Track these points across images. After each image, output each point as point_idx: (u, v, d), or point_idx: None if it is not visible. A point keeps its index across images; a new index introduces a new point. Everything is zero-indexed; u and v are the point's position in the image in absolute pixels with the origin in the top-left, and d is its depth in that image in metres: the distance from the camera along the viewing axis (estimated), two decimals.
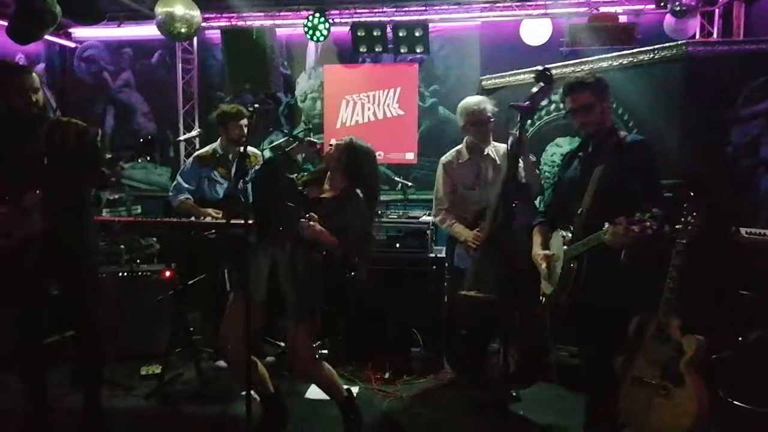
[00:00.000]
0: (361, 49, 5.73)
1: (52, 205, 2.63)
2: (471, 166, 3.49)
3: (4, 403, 3.14)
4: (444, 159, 3.61)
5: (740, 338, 3.08)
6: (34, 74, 2.66)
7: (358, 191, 2.77)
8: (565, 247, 2.56)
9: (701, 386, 2.57)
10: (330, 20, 5.65)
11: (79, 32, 6.50)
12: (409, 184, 4.90)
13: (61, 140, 2.70)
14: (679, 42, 3.75)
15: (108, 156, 2.69)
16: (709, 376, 2.65)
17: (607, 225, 2.30)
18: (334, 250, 2.70)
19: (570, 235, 2.55)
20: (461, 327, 3.30)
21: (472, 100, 3.46)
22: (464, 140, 3.57)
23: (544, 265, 2.64)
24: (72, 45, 6.60)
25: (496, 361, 3.28)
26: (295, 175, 2.96)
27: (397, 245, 3.90)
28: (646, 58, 3.80)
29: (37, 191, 2.58)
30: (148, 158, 2.94)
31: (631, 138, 2.55)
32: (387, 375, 3.66)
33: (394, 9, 5.70)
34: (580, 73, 2.67)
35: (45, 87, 6.39)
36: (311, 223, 2.55)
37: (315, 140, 2.92)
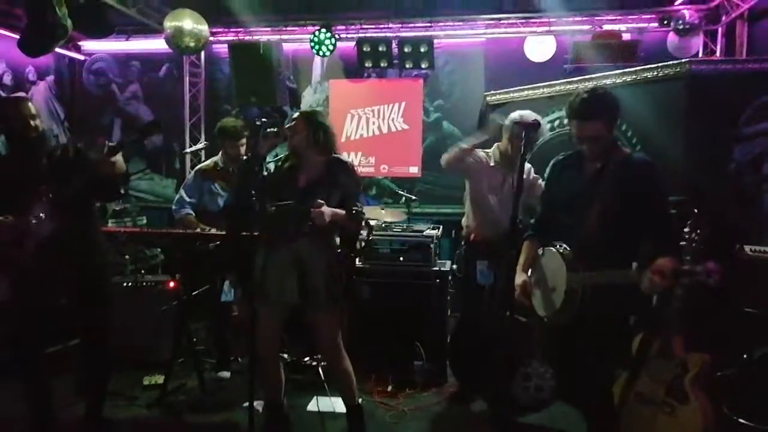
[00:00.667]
0: (366, 64, 5.81)
1: (59, 217, 2.68)
2: (499, 172, 3.49)
3: (8, 411, 3.13)
4: (479, 158, 3.56)
5: (745, 356, 3.07)
6: (30, 103, 2.78)
7: (340, 157, 2.81)
8: (566, 267, 2.40)
9: (706, 404, 2.55)
10: (336, 35, 5.73)
11: (88, 45, 6.60)
12: (413, 197, 4.93)
13: (62, 156, 2.79)
14: (683, 60, 3.80)
15: (110, 144, 2.72)
16: (714, 394, 2.64)
17: (635, 265, 2.18)
18: (348, 226, 2.74)
19: (567, 249, 2.41)
20: (494, 346, 3.20)
21: (534, 115, 3.26)
22: (497, 146, 3.56)
23: (519, 291, 2.53)
24: (81, 57, 6.69)
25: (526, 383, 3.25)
26: (274, 165, 2.89)
27: (401, 258, 3.90)
28: (649, 76, 3.84)
29: (43, 199, 2.66)
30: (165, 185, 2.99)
31: (638, 156, 2.47)
32: (389, 388, 3.65)
33: (400, 25, 5.78)
34: (589, 88, 2.50)
35: (54, 99, 6.47)
36: (322, 210, 2.57)
37: (274, 129, 2.86)
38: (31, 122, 2.73)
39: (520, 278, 2.58)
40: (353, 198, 2.77)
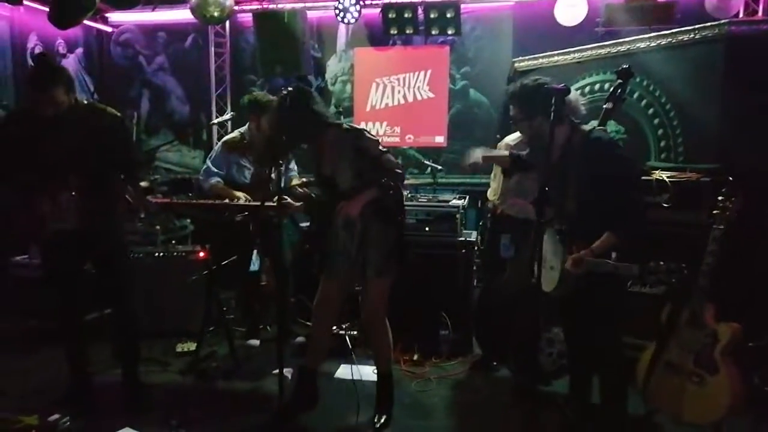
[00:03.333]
0: (391, 31, 5.70)
1: (88, 198, 2.73)
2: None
3: (49, 377, 3.28)
4: (512, 143, 3.45)
5: None
6: (58, 89, 2.65)
7: (347, 128, 2.77)
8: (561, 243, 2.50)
9: (736, 374, 2.53)
10: (361, 2, 5.63)
11: (115, 16, 6.62)
12: (439, 167, 4.89)
13: (95, 130, 2.77)
14: (722, 21, 3.63)
15: (143, 185, 2.79)
16: (745, 364, 2.60)
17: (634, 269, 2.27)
18: (381, 199, 2.72)
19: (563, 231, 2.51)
20: (516, 314, 3.23)
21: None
22: None
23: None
24: (108, 29, 6.73)
25: (549, 350, 3.26)
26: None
27: (427, 229, 3.89)
28: (686, 39, 3.69)
29: (72, 192, 2.69)
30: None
31: (595, 134, 2.45)
32: (416, 357, 3.69)
33: None
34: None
35: (83, 71, 6.55)
36: (346, 210, 2.61)
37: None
38: (52, 109, 2.65)
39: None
40: (376, 164, 2.71)
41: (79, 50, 6.59)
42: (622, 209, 2.34)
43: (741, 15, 5.14)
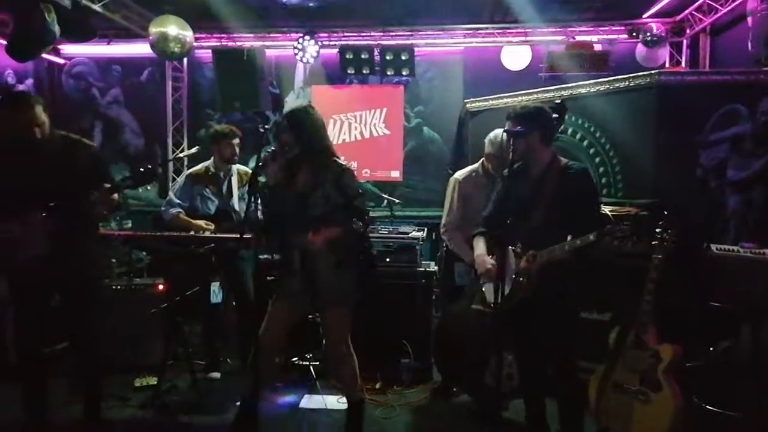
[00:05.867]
0: (348, 71, 5.94)
1: (60, 221, 2.70)
2: (486, 191, 3.50)
3: (3, 414, 3.16)
4: (460, 177, 3.69)
5: (711, 347, 3.29)
6: (39, 108, 2.70)
7: (337, 160, 2.80)
8: (515, 257, 2.73)
9: (677, 391, 2.75)
10: (319, 42, 5.85)
11: (68, 49, 6.58)
12: (397, 201, 5.07)
13: (71, 160, 2.78)
14: (652, 71, 4.03)
15: (107, 186, 2.79)
16: (684, 383, 2.83)
17: (591, 236, 2.47)
18: (349, 238, 2.74)
19: (519, 249, 2.72)
20: (468, 340, 3.37)
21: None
22: (481, 162, 3.65)
23: (488, 267, 2.81)
24: (61, 61, 6.66)
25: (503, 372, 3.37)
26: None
27: (387, 260, 4.02)
28: (621, 86, 4.07)
29: (43, 213, 2.66)
30: (148, 187, 3.09)
31: (577, 166, 2.72)
32: (378, 385, 3.76)
33: (381, 33, 5.93)
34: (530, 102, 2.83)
35: None
36: (314, 238, 2.67)
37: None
38: (36, 131, 2.68)
39: (489, 262, 2.84)
40: (352, 204, 2.76)
41: (30, 81, 6.49)
42: (587, 227, 2.53)
43: (667, 64, 5.68)
